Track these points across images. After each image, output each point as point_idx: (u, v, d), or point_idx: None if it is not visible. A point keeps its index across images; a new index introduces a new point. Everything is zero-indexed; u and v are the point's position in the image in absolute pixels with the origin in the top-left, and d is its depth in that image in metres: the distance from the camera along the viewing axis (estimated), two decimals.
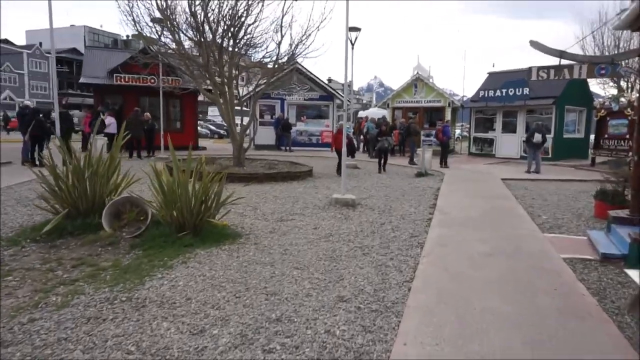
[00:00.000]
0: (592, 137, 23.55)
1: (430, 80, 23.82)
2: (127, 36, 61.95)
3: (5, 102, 63.22)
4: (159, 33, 12.64)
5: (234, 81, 13.19)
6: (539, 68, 7.14)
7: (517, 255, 5.24)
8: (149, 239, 5.36)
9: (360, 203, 8.73)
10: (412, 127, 17.89)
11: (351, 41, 15.69)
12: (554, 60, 7.51)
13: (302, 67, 22.93)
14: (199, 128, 38.72)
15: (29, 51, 71.35)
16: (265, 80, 13.66)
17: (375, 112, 29.57)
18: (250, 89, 23.87)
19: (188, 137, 21.53)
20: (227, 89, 13.13)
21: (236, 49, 12.93)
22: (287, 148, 22.00)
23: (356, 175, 13.47)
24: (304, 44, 12.66)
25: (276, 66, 13.25)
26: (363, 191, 10.38)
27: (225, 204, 6.23)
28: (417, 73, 23.32)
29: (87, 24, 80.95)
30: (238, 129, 13.33)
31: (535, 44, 6.82)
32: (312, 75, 23.13)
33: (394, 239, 5.99)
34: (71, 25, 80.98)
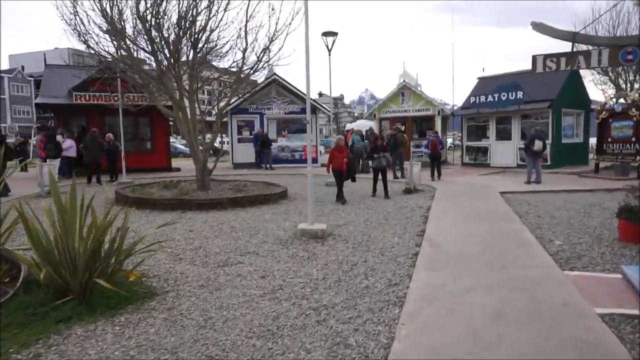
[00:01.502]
0: (592, 141, 22.28)
1: (419, 88, 22.52)
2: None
3: None
4: (108, 44, 11.19)
5: (195, 95, 11.69)
6: (546, 56, 5.69)
7: (537, 316, 3.68)
8: (13, 310, 3.78)
9: (332, 233, 7.18)
10: (399, 138, 16.44)
11: (327, 46, 14.34)
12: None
13: (282, 79, 21.60)
14: (178, 146, 37.44)
15: (10, 75, 69.87)
16: (229, 92, 12.15)
17: (362, 124, 28.20)
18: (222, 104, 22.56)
19: (160, 158, 20.03)
20: (188, 104, 11.65)
21: (196, 59, 11.47)
22: (268, 166, 20.49)
23: (334, 195, 11.91)
24: (270, 50, 11.25)
25: (242, 76, 11.78)
26: (339, 216, 8.84)
27: (139, 252, 4.66)
28: (404, 81, 22.02)
29: (72, 47, 79.50)
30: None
31: (539, 27, 5.41)
32: (292, 87, 21.74)
33: (365, 291, 4.42)
34: (55, 48, 79.60)
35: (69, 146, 15.63)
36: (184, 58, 11.50)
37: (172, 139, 47.61)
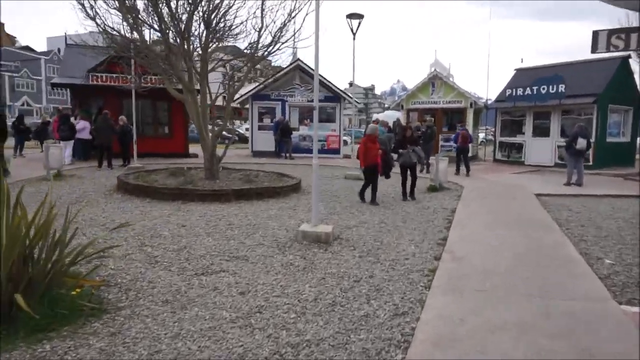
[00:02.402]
0: (639, 141, 20.50)
1: (450, 79, 21.15)
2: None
3: (23, 108, 63.15)
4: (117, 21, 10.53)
5: (206, 77, 10.90)
6: (612, 32, 4.52)
7: None
8: None
9: (339, 236, 6.28)
10: (433, 131, 15.29)
11: (352, 29, 13.30)
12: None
13: (306, 65, 20.64)
14: (232, 133, 36.90)
15: (46, 57, 71.35)
16: (242, 75, 11.30)
17: (390, 115, 26.97)
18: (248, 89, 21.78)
19: (178, 143, 19.48)
20: (197, 86, 10.91)
21: (209, 39, 10.67)
22: (288, 155, 19.68)
23: (353, 190, 10.98)
24: (286, 29, 10.35)
25: (256, 58, 10.92)
26: (352, 215, 7.91)
27: (91, 256, 3.88)
28: (435, 70, 20.69)
29: (80, 24, 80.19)
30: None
31: None
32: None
33: (363, 321, 3.51)
34: (90, 32, 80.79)
35: (82, 128, 15.20)
36: (195, 39, 10.75)
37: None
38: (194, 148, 21.68)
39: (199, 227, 6.69)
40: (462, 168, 14.60)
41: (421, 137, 14.32)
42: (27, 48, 78.15)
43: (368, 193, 9.18)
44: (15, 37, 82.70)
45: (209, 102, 11.07)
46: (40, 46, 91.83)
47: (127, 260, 4.98)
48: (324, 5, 15.25)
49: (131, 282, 4.27)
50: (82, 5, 9.92)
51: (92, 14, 10.11)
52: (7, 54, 68.13)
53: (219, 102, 11.56)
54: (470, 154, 19.53)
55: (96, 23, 10.20)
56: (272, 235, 6.27)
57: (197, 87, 11.00)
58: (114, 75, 16.36)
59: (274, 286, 4.24)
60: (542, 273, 4.72)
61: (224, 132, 15.33)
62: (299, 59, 20.49)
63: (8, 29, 78.50)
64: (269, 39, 10.43)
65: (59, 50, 74.01)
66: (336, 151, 21.19)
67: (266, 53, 10.71)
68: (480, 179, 13.65)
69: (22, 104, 64.83)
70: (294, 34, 10.79)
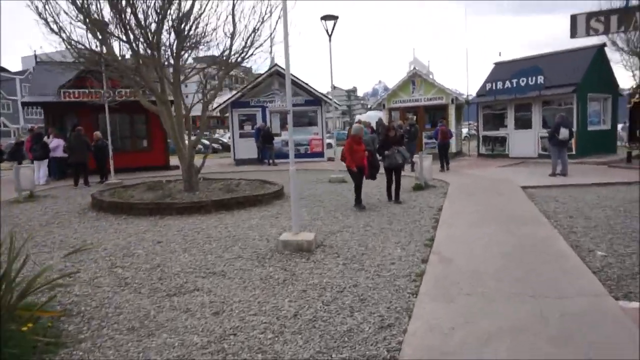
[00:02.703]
0: (619, 127, 20.66)
1: (430, 76, 21.11)
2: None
3: (0, 129, 61.82)
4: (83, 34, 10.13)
5: (179, 87, 10.57)
6: (591, 15, 4.31)
7: None
8: None
9: (322, 243, 6.00)
10: (416, 129, 15.17)
11: (327, 31, 13.09)
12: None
13: (284, 69, 20.34)
14: (209, 143, 36.43)
15: (21, 77, 70.05)
16: (216, 83, 10.99)
17: (372, 116, 26.89)
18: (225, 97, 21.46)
19: (157, 156, 19.03)
20: (172, 97, 10.58)
21: (180, 47, 10.35)
22: (271, 161, 19.38)
23: (337, 193, 10.74)
24: (258, 33, 10.09)
25: (230, 63, 10.62)
26: (336, 219, 7.65)
27: (51, 284, 3.56)
28: (414, 68, 20.62)
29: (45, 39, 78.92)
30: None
31: None
32: (295, 79, 20.50)
33: (347, 337, 3.24)
34: (57, 49, 79.29)
35: (55, 146, 14.71)
36: (166, 48, 10.42)
37: None
38: (176, 160, 21.26)
39: (175, 243, 6.36)
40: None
41: (406, 136, 14.25)
42: (1, 69, 76.78)
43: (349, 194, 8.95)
44: None
45: (184, 112, 10.74)
46: (16, 66, 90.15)
47: (95, 284, 4.64)
48: (299, 9, 15.00)
49: (96, 309, 3.94)
50: (45, 20, 9.53)
51: (55, 29, 9.71)
52: None
53: (197, 111, 11.22)
54: (454, 150, 19.53)
55: (61, 37, 9.80)
56: (252, 247, 5.97)
57: (171, 98, 10.67)
58: (86, 90, 15.93)
59: (251, 303, 3.95)
60: (534, 271, 4.50)
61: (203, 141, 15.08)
62: (276, 65, 20.23)
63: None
64: (242, 44, 10.16)
65: (33, 69, 72.99)
66: (320, 154, 20.96)
67: (240, 59, 10.42)
68: (466, 174, 13.51)
69: None
70: (268, 38, 10.55)
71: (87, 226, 7.81)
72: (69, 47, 9.91)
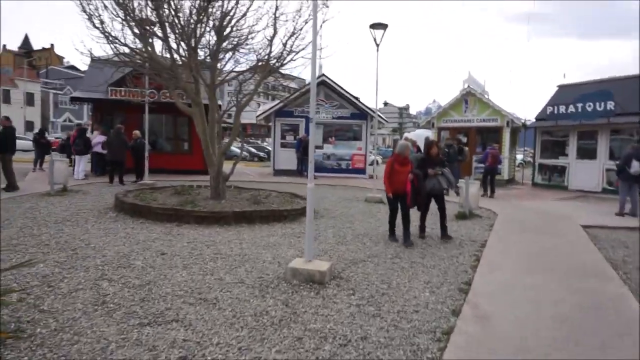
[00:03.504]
0: None
1: (485, 96, 19.81)
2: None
3: (65, 124, 65.51)
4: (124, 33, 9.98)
5: (214, 90, 10.18)
6: None
7: None
8: None
9: (339, 275, 5.20)
10: (454, 150, 14.07)
11: (375, 40, 12.36)
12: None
13: (331, 80, 19.85)
14: (233, 148, 36.77)
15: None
16: (253, 87, 10.50)
17: (419, 134, 25.73)
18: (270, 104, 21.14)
19: (197, 159, 18.84)
20: (204, 99, 10.21)
21: (220, 48, 9.98)
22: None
23: (371, 215, 9.88)
24: (298, 36, 9.52)
25: (269, 68, 10.10)
26: (362, 246, 6.81)
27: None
28: (468, 87, 19.39)
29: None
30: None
31: None
32: (341, 90, 19.91)
33: None
34: (98, 43, 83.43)
35: (98, 142, 14.81)
36: (204, 48, 10.08)
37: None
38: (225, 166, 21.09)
39: (179, 256, 5.77)
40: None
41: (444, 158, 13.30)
42: (73, 67, 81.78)
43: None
44: (64, 58, 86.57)
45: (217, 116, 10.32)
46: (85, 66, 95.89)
47: (70, 298, 4.09)
48: (349, 18, 14.38)
49: (52, 332, 3.35)
50: (89, 15, 9.42)
51: (97, 23, 9.60)
52: (54, 73, 71.39)
53: (247, 119, 10.78)
54: (505, 177, 18.11)
55: (102, 33, 9.66)
56: (260, 271, 5.27)
57: (206, 101, 10.30)
58: (133, 89, 16.04)
59: (230, 349, 3.21)
60: (603, 345, 3.48)
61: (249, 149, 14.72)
62: (323, 75, 19.71)
63: (57, 50, 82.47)
64: (282, 49, 9.62)
65: (88, 66, 76.98)
66: (361, 171, 20.14)
67: (279, 64, 9.88)
68: (517, 205, 12.23)
69: (65, 120, 67.13)
70: (309, 43, 9.95)
71: (101, 227, 7.43)
72: (108, 43, 9.76)
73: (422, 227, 7.71)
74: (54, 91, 65.63)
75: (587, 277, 5.43)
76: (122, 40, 9.37)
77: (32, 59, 74.16)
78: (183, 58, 9.80)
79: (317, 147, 19.76)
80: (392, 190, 6.98)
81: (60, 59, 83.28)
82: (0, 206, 8.51)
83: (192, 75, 9.88)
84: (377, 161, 23.38)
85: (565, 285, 5.07)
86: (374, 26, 12.21)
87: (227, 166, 10.50)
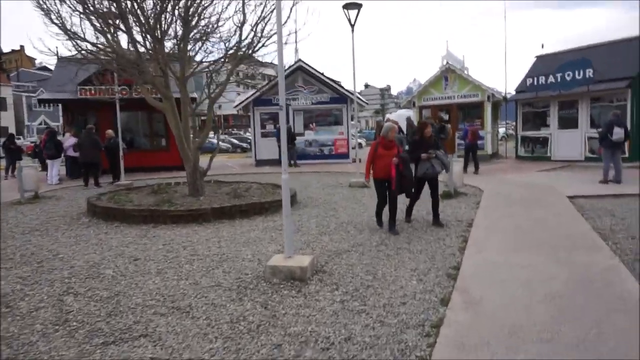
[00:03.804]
0: None
1: (465, 71, 19.57)
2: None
3: (41, 127, 63.75)
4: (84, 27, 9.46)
5: (186, 82, 9.74)
6: None
7: None
8: None
9: (322, 269, 4.95)
10: (439, 127, 13.89)
11: (349, 20, 11.97)
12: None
13: (308, 65, 19.44)
14: (214, 142, 36.14)
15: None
16: (225, 78, 10.07)
17: (401, 114, 25.52)
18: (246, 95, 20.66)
19: (175, 155, 18.31)
20: (176, 93, 9.78)
21: (188, 38, 9.52)
22: (292, 162, 18.42)
23: (355, 200, 9.65)
24: (269, 22, 9.11)
25: (239, 56, 9.69)
26: (346, 235, 6.57)
27: None
28: (447, 63, 19.14)
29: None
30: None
31: None
32: (319, 75, 19.52)
33: None
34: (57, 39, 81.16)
35: (69, 145, 14.27)
36: (171, 38, 9.62)
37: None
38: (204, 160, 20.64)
39: (153, 261, 5.46)
40: (470, 167, 13.23)
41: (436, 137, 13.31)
42: (44, 68, 79.49)
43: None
44: (35, 59, 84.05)
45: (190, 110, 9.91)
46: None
47: (30, 319, 3.77)
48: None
49: None
50: (46, 11, 8.87)
51: (55, 19, 9.06)
52: (25, 75, 69.24)
53: (227, 110, 10.37)
54: (489, 152, 18.02)
55: (60, 28, 9.13)
56: (238, 271, 4.99)
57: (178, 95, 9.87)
58: (103, 87, 15.44)
59: None
60: (599, 325, 3.30)
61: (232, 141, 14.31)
62: (300, 60, 19.28)
63: (28, 52, 79.84)
64: (252, 35, 9.21)
65: (55, 66, 74.93)
66: (345, 155, 19.89)
67: (249, 51, 9.48)
68: (502, 180, 12.11)
69: (40, 123, 65.28)
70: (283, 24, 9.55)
71: (71, 235, 7.05)
72: (69, 39, 9.24)
73: (409, 212, 7.40)
74: (27, 94, 63.70)
75: (576, 249, 5.26)
76: (82, 36, 8.84)
77: (2, 62, 71.77)
78: (149, 51, 9.34)
79: (298, 134, 19.42)
80: (375, 176, 6.59)
81: (31, 60, 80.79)
82: None
83: (159, 69, 9.44)
84: (360, 144, 23.16)
85: (555, 260, 4.90)
86: (348, 6, 11.82)
87: (205, 160, 10.13)
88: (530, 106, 17.80)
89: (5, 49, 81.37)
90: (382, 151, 6.50)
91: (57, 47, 16.76)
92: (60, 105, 17.60)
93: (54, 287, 4.59)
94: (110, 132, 13.98)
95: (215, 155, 10.45)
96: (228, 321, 3.63)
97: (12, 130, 57.60)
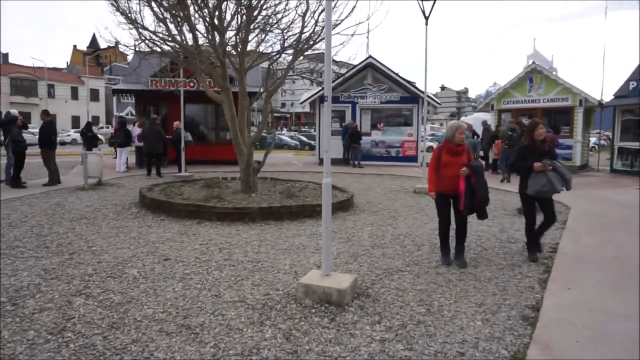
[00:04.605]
0: None
1: (553, 73, 17.60)
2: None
3: (129, 117, 68.32)
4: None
5: (243, 74, 9.33)
6: None
7: None
8: None
9: (366, 292, 4.16)
10: (521, 133, 12.45)
11: (423, 12, 10.96)
12: None
13: (379, 62, 18.52)
14: (283, 138, 36.33)
15: None
16: (284, 70, 9.54)
17: (477, 118, 23.80)
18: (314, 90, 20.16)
19: None
20: (232, 85, 9.42)
21: (249, 28, 9.11)
22: (356, 163, 17.66)
23: (418, 209, 8.68)
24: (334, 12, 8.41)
25: (300, 48, 9.10)
26: (401, 250, 5.70)
27: None
28: (533, 63, 17.33)
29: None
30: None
31: None
32: (390, 73, 18.52)
33: None
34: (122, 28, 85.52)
35: (136, 135, 14.57)
36: (230, 31, 9.25)
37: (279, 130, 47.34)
38: (275, 155, 20.58)
39: (183, 263, 4.99)
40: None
41: (505, 143, 12.37)
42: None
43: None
44: (127, 54, 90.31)
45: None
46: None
47: (28, 322, 3.37)
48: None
49: None
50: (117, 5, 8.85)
51: (120, 5, 9.02)
52: (117, 69, 74.63)
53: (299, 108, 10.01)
54: (578, 163, 16.04)
55: (123, 15, 9.06)
56: (269, 284, 4.34)
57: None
58: (172, 79, 15.66)
59: None
60: None
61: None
62: (370, 56, 18.42)
63: (121, 48, 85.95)
64: (313, 23, 8.58)
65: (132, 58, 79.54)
66: (413, 158, 18.72)
67: (310, 42, 8.85)
68: (593, 196, 10.47)
69: (127, 114, 69.90)
70: (347, 16, 8.85)
71: (115, 225, 6.84)
72: (133, 28, 9.18)
73: (531, 245, 5.45)
74: (116, 86, 68.48)
75: None
76: (142, 23, 8.70)
77: (99, 57, 77.76)
78: (209, 40, 9.04)
79: (364, 134, 18.59)
80: (439, 189, 5.15)
81: (124, 56, 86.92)
82: (0, 205, 8.21)
83: (218, 59, 9.11)
84: (431, 147, 21.84)
85: None
86: None
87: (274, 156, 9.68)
88: (631, 113, 15.57)
89: (103, 45, 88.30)
90: (447, 158, 5.08)
91: (135, 40, 17.19)
92: (133, 96, 18.13)
93: (71, 285, 4.22)
94: (177, 123, 14.06)
95: (270, 151, 9.96)
96: (239, 352, 2.98)
97: (102, 119, 62.36)
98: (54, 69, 64.74)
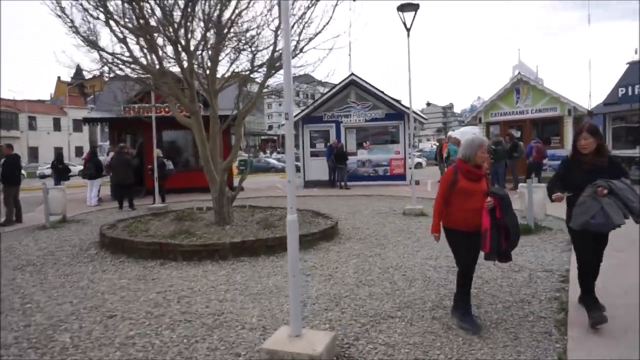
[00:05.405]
0: None
1: (540, 83, 17.21)
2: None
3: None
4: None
5: (214, 96, 8.62)
6: None
7: None
8: None
9: (346, 352, 3.36)
10: (511, 145, 11.98)
11: (404, 24, 10.42)
12: None
13: (361, 79, 17.99)
14: (270, 161, 35.67)
15: None
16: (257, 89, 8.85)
17: (465, 132, 23.31)
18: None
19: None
20: (205, 109, 8.70)
21: (220, 45, 8.45)
22: (343, 184, 16.93)
23: (408, 234, 7.93)
24: (307, 23, 7.82)
25: (273, 66, 8.44)
26: (390, 288, 4.92)
27: None
28: (519, 74, 16.95)
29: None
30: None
31: None
32: (374, 90, 17.98)
33: None
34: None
35: (105, 165, 13.70)
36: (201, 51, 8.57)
37: (266, 153, 46.75)
38: (262, 179, 19.80)
39: (130, 321, 4.15)
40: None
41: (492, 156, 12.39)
42: None
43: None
44: (110, 84, 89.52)
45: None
46: None
47: None
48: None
49: None
50: (62, 15, 8.12)
51: (68, 22, 8.24)
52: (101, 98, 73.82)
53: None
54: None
55: (79, 35, 8.27)
56: (229, 347, 3.52)
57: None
58: (148, 105, 14.91)
59: None
60: None
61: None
62: (353, 74, 17.90)
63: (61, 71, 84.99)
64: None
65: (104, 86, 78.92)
66: (401, 177, 18.01)
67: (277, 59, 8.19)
68: None
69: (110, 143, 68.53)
70: (323, 27, 8.22)
71: (64, 273, 5.98)
72: (88, 46, 8.41)
73: (591, 298, 3.83)
74: None
75: None
76: (98, 45, 7.98)
77: (83, 87, 76.86)
78: (174, 59, 8.34)
79: (350, 154, 17.91)
80: (453, 225, 3.84)
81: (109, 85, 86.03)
82: None
83: (184, 80, 8.41)
84: (420, 164, 21.20)
85: None
86: (403, 8, 10.28)
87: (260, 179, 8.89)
88: (622, 120, 15.15)
89: (86, 75, 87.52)
90: (465, 184, 3.77)
91: (108, 67, 16.44)
92: (107, 124, 17.31)
93: None
94: (158, 151, 13.22)
95: (246, 177, 9.20)
96: None
97: (85, 150, 61.16)
98: (38, 101, 63.68)
